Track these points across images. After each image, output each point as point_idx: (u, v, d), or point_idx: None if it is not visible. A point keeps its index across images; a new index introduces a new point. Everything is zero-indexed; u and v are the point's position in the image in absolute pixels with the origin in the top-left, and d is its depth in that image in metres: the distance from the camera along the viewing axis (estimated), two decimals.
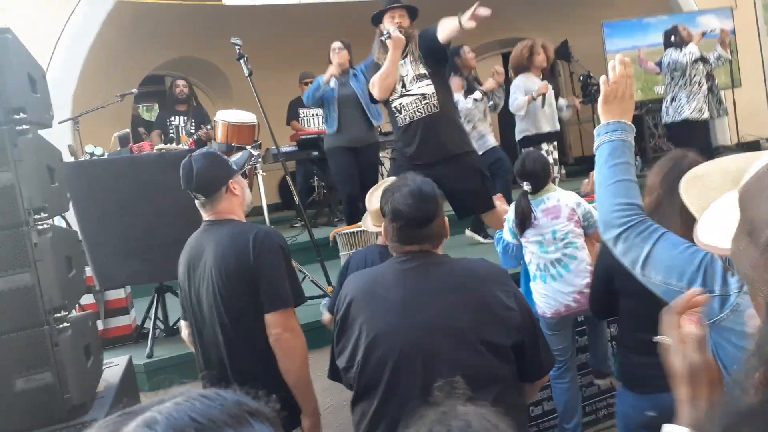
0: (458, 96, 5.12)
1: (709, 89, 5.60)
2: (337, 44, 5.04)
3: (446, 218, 1.78)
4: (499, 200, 3.64)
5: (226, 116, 3.83)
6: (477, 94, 4.96)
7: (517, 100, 4.96)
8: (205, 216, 2.21)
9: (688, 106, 5.52)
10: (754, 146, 7.21)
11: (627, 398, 2.15)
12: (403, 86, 3.69)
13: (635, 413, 2.07)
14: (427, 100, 3.66)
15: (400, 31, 3.59)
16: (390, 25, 3.66)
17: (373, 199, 2.50)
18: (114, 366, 2.53)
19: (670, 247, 1.28)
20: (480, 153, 5.09)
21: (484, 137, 5.12)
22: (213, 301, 2.10)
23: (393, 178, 2.47)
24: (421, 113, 3.66)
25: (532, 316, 1.77)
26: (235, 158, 2.31)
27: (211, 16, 6.43)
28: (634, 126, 1.48)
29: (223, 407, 0.57)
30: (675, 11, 7.68)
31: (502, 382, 1.63)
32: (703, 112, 5.49)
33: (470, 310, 1.63)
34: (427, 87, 3.66)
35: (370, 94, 3.82)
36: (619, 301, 2.21)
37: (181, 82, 6.18)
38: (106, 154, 3.55)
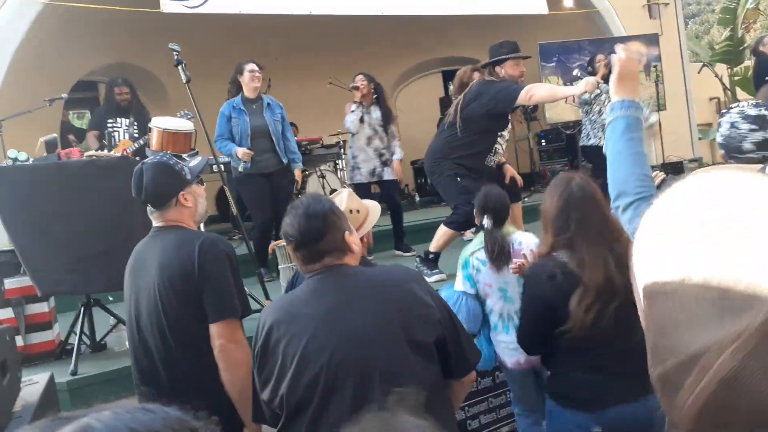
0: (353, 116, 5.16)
1: None
2: (253, 66, 4.59)
3: (347, 232, 1.72)
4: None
5: (161, 123, 3.72)
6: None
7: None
8: (154, 222, 2.17)
9: (593, 133, 5.92)
10: (677, 167, 7.59)
11: (566, 416, 2.12)
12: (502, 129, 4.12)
13: (579, 430, 2.06)
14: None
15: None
16: (512, 71, 4.21)
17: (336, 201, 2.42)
18: (33, 384, 2.37)
19: None
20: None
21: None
22: (153, 309, 2.02)
23: (347, 189, 2.42)
24: (494, 163, 4.20)
25: (449, 311, 1.79)
26: (193, 164, 2.21)
27: (148, 23, 6.24)
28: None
29: (165, 421, 0.52)
30: (606, 36, 8.04)
31: (430, 385, 1.59)
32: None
33: (394, 311, 1.62)
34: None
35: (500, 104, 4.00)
36: (558, 327, 2.08)
37: (124, 89, 5.24)
38: (31, 159, 3.37)
